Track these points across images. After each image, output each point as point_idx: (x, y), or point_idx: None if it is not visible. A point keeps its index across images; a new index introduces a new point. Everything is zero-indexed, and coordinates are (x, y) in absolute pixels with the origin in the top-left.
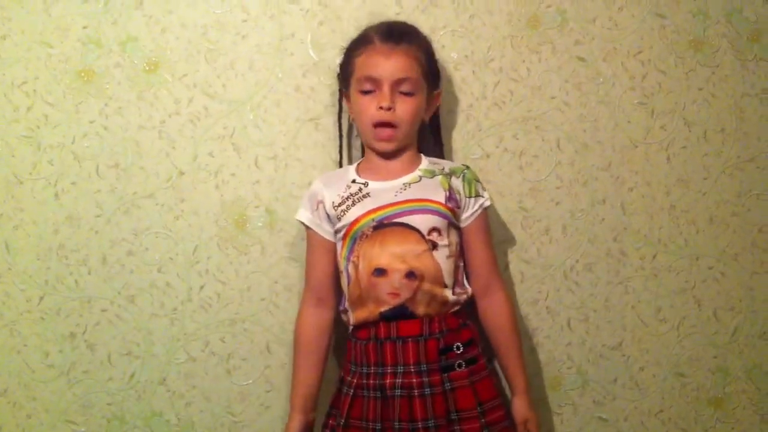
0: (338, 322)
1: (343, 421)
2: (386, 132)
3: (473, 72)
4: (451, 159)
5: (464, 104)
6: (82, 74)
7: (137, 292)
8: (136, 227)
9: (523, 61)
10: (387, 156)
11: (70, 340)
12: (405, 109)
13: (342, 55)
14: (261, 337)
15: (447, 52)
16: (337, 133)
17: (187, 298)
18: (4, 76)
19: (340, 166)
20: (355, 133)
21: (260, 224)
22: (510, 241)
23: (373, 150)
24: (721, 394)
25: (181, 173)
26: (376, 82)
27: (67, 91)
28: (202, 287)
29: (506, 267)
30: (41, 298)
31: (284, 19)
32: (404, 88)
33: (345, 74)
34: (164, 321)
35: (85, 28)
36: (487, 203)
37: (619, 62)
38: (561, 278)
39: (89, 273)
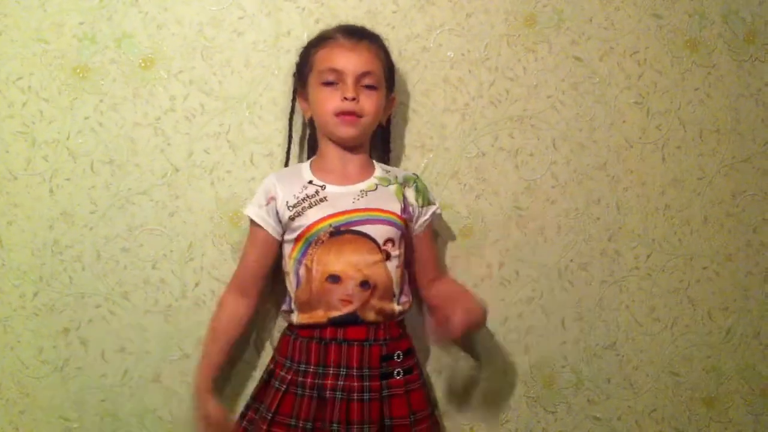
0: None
1: (270, 415)
2: (350, 117)
3: (469, 71)
4: (448, 158)
5: (460, 103)
6: (78, 70)
7: (131, 288)
8: (131, 224)
9: (519, 60)
10: (347, 149)
11: (63, 337)
12: (368, 103)
13: (299, 55)
14: (253, 335)
15: (443, 51)
16: (287, 134)
17: (182, 295)
18: None
19: (286, 166)
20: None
21: None
22: (505, 239)
23: (336, 138)
24: (715, 394)
25: (176, 170)
26: (339, 75)
27: (62, 87)
28: (196, 284)
29: (501, 266)
30: (35, 294)
31: (281, 17)
32: (368, 81)
33: (302, 72)
34: (158, 318)
35: (80, 24)
36: (439, 210)
37: (615, 62)
38: (556, 277)
39: (83, 269)
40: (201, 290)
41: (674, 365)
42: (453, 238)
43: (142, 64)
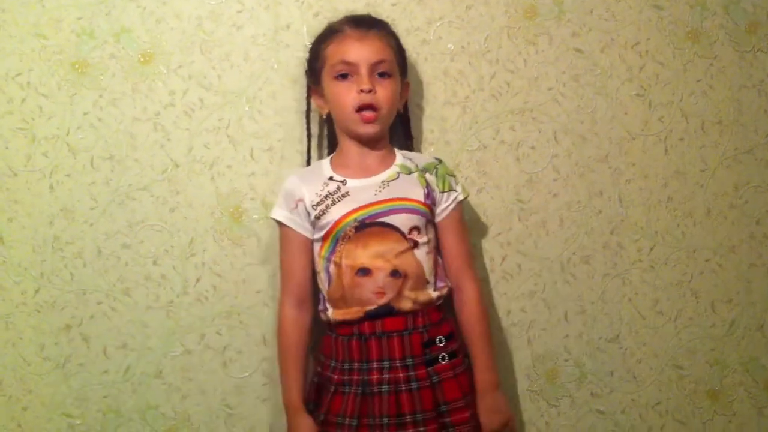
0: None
1: (323, 417)
2: (370, 114)
3: (470, 63)
4: (449, 151)
5: (461, 96)
6: (77, 66)
7: (132, 284)
8: (131, 219)
9: (520, 53)
10: (367, 143)
11: (65, 333)
12: (385, 92)
13: (309, 51)
14: (257, 330)
15: (443, 44)
16: (305, 133)
17: (183, 291)
18: None
19: (308, 164)
20: (324, 131)
21: (256, 216)
22: (507, 233)
23: (356, 135)
24: (719, 387)
25: (176, 165)
26: (352, 67)
27: (61, 83)
28: (197, 280)
29: (503, 259)
30: (36, 291)
31: (280, 10)
32: (382, 68)
33: (314, 68)
34: (160, 314)
35: (79, 19)
36: (461, 197)
37: (617, 54)
38: (558, 270)
39: (84, 265)
40: (202, 286)
41: (678, 358)
42: None
43: (141, 59)
